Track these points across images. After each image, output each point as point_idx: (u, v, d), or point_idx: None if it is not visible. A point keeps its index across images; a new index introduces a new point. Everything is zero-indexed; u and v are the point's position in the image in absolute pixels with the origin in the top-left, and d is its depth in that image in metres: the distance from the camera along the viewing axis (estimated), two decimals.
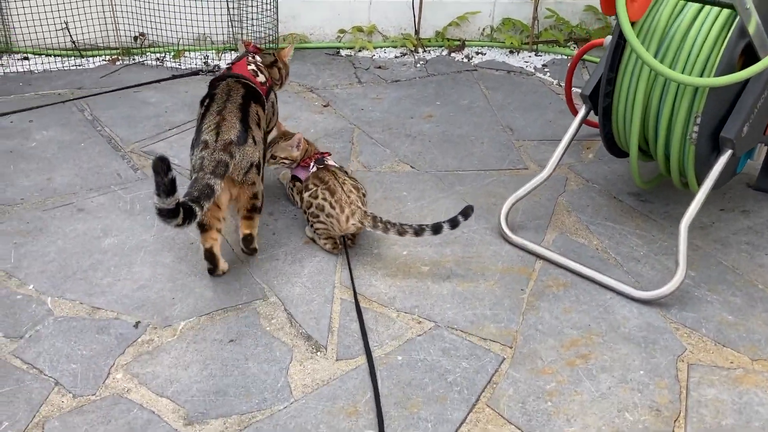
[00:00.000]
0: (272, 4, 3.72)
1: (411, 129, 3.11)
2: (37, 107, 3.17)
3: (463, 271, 2.19)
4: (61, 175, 2.66)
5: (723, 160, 2.13)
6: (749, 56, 2.07)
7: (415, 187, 2.65)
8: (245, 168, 2.03)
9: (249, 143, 2.05)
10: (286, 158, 2.40)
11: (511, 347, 1.90)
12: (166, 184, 1.72)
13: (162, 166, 1.70)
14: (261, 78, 2.37)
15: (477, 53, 4.03)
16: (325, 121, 3.15)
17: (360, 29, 4.07)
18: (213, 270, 2.10)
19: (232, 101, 2.13)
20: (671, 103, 2.15)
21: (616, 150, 2.51)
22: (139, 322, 1.95)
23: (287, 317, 1.98)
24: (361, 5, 4.03)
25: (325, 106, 3.32)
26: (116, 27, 3.87)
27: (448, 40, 4.12)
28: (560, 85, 3.62)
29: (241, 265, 2.19)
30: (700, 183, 2.17)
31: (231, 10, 3.85)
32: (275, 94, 2.52)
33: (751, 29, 1.95)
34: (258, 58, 2.47)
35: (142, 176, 2.66)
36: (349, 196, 2.19)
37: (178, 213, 1.79)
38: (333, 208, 2.16)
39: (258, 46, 2.65)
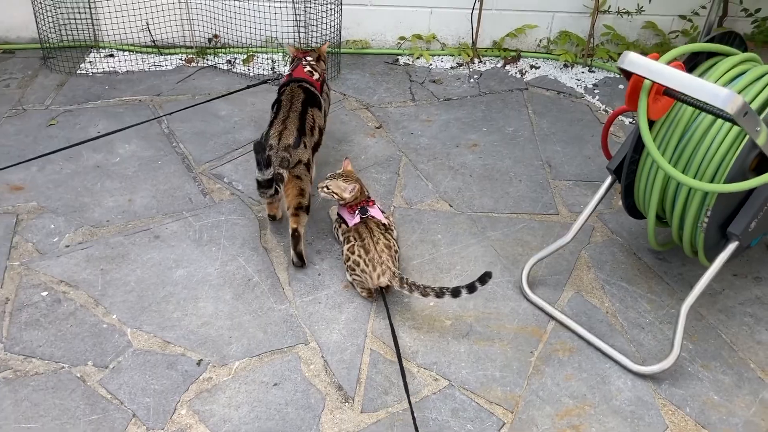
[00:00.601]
0: (336, 10, 3.92)
1: (455, 160, 3.34)
2: (121, 111, 3.52)
3: (482, 327, 2.48)
4: (141, 196, 3.03)
5: (729, 249, 2.31)
6: (764, 158, 2.22)
7: (450, 230, 2.91)
8: (294, 163, 2.61)
9: (300, 147, 2.65)
10: (336, 194, 2.69)
11: (512, 412, 2.20)
12: (264, 160, 2.37)
13: (260, 147, 2.36)
14: (316, 75, 2.98)
15: (531, 66, 4.16)
16: (375, 146, 3.41)
17: (419, 37, 4.24)
18: (273, 219, 2.86)
19: (294, 109, 2.73)
20: (685, 194, 2.33)
21: (637, 214, 2.70)
22: (201, 360, 2.33)
23: (323, 364, 2.33)
24: (423, 14, 4.19)
25: (377, 127, 3.57)
26: (191, 27, 4.17)
27: (505, 50, 4.25)
28: (606, 111, 3.75)
29: (290, 307, 2.53)
30: (709, 260, 2.37)
31: (297, 14, 4.07)
32: (327, 85, 3.10)
33: (761, 142, 2.10)
34: (309, 58, 3.03)
35: (210, 202, 3.00)
36: (380, 256, 2.48)
37: (272, 184, 2.45)
38: (366, 265, 2.46)
39: (302, 49, 3.16)
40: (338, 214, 2.77)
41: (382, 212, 2.75)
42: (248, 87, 3.79)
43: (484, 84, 3.99)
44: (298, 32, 4.13)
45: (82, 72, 3.98)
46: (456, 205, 3.05)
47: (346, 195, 2.68)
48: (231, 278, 2.64)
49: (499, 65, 4.19)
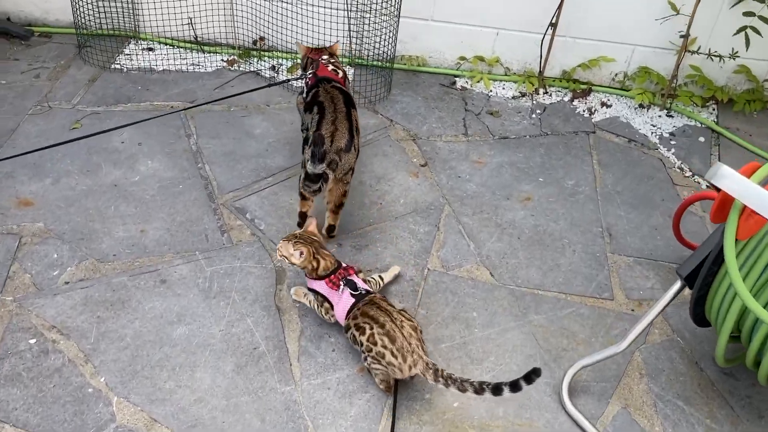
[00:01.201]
0: (393, 21, 3.56)
1: (504, 215, 2.98)
2: (149, 119, 3.26)
3: None
4: (154, 227, 2.78)
5: None
6: None
7: (488, 307, 2.58)
8: (345, 170, 2.58)
9: (352, 152, 2.57)
10: (285, 258, 2.36)
11: None
12: (320, 154, 2.39)
13: (320, 139, 2.40)
14: (340, 73, 2.85)
15: (602, 104, 3.74)
16: (418, 189, 3.08)
17: (481, 59, 3.86)
18: (300, 225, 2.74)
19: (339, 110, 2.61)
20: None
21: (705, 323, 2.32)
22: None
23: None
24: (488, 34, 3.79)
25: (423, 165, 3.23)
26: (236, 26, 3.87)
27: (574, 82, 3.83)
28: (681, 169, 3.33)
29: (295, 390, 2.25)
30: None
31: (351, 24, 3.73)
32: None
33: None
34: (326, 57, 2.89)
35: (227, 243, 2.73)
36: (410, 342, 2.17)
37: (320, 179, 2.48)
38: (395, 356, 2.15)
39: (314, 48, 3.01)
40: (310, 290, 2.45)
41: (364, 279, 2.46)
42: (269, 86, 3.49)
43: (547, 121, 3.59)
44: (350, 42, 3.79)
45: (117, 67, 3.73)
46: (498, 275, 2.71)
47: (295, 261, 2.35)
48: (235, 344, 2.37)
49: (566, 98, 3.77)
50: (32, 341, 2.33)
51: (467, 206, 3.02)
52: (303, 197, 2.64)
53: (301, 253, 2.34)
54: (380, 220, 2.90)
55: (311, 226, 2.48)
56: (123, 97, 3.51)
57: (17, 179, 2.96)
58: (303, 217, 2.70)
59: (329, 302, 2.38)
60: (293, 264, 2.36)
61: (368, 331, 2.21)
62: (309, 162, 2.40)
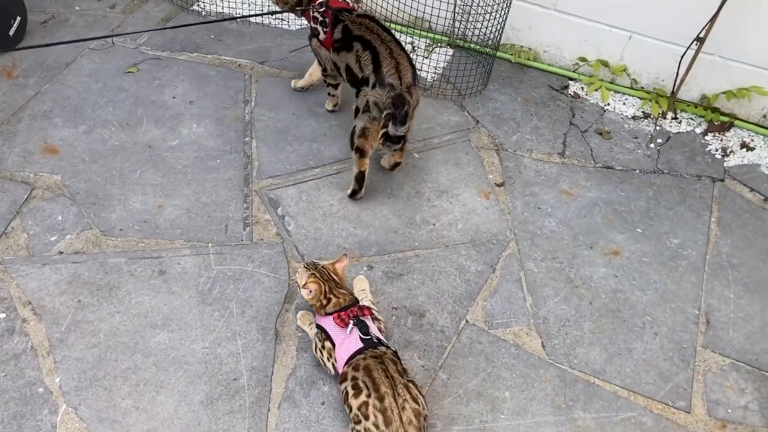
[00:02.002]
0: (505, 4, 3.00)
1: (580, 269, 2.43)
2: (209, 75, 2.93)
3: None
4: (174, 204, 2.46)
5: None
6: None
7: (527, 389, 2.08)
8: (415, 106, 2.36)
9: (418, 85, 2.37)
10: (297, 283, 2.05)
11: None
12: (402, 116, 2.19)
13: (401, 100, 2.20)
14: (352, 3, 2.61)
15: (743, 145, 3.03)
16: (483, 214, 2.57)
17: (605, 64, 3.22)
18: (357, 192, 2.50)
19: (387, 41, 2.37)
20: None
21: None
22: None
23: None
24: (619, 37, 3.15)
25: (498, 184, 2.71)
26: None
27: (713, 111, 3.13)
28: None
29: None
30: None
31: (458, 1, 3.20)
32: None
33: None
34: None
35: (246, 239, 2.37)
36: (407, 431, 1.74)
37: (402, 139, 2.30)
38: None
39: None
40: (317, 326, 2.06)
41: (380, 328, 2.06)
42: (271, 14, 3.04)
43: (667, 156, 2.94)
44: (453, 21, 3.26)
45: (196, 9, 3.40)
46: (551, 347, 2.19)
47: (303, 293, 2.00)
48: (215, 369, 2.02)
49: (698, 130, 3.09)
50: (2, 315, 2.08)
51: (537, 248, 2.48)
52: (362, 153, 2.40)
53: (310, 292, 1.96)
54: (427, 245, 2.43)
55: (340, 262, 2.07)
56: (191, 45, 3.18)
57: (52, 120, 2.72)
58: (362, 179, 2.47)
59: (332, 342, 1.97)
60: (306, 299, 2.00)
61: (362, 397, 1.79)
62: (392, 126, 2.19)
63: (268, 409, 1.96)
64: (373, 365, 1.86)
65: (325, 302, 1.99)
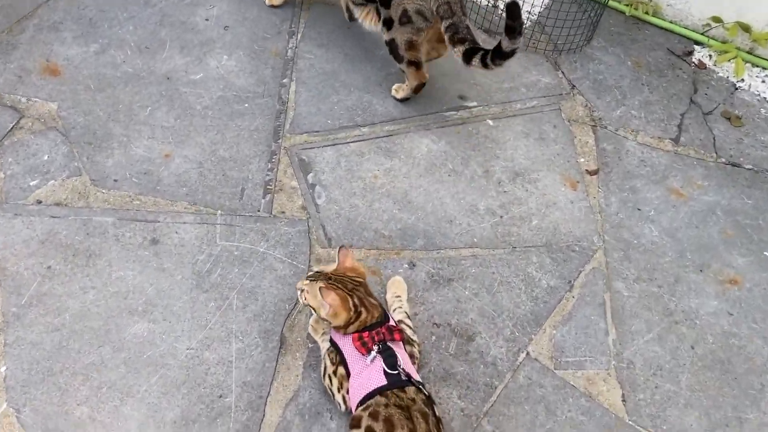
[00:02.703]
0: None
1: (683, 300, 1.87)
2: None
3: None
4: (185, 155, 2.01)
5: None
6: None
7: None
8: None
9: None
10: (310, 306, 1.51)
11: None
12: (518, 27, 1.78)
13: (517, 11, 1.75)
14: None
15: None
16: (567, 210, 2.02)
17: (745, 28, 2.54)
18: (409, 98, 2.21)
19: None
20: None
21: None
22: None
23: None
24: None
25: (591, 172, 2.14)
26: None
27: None
28: None
29: None
30: None
31: None
32: None
33: None
34: None
35: (264, 211, 1.91)
36: None
37: (513, 54, 1.87)
38: None
39: None
40: (331, 341, 1.57)
41: (412, 354, 1.58)
42: None
43: None
44: None
45: None
46: (633, 404, 1.66)
47: (321, 313, 1.49)
48: (198, 379, 1.59)
49: None
50: None
51: (631, 264, 1.93)
52: (418, 66, 2.10)
53: (330, 307, 1.47)
54: (489, 243, 1.91)
55: (349, 258, 1.57)
56: None
57: (60, 34, 2.28)
58: (420, 89, 2.18)
59: (347, 369, 1.51)
60: (318, 315, 1.51)
61: None
62: (505, 38, 1.82)
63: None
64: (397, 419, 1.39)
65: (353, 319, 1.51)
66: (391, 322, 1.57)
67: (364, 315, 1.52)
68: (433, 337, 1.73)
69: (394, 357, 1.48)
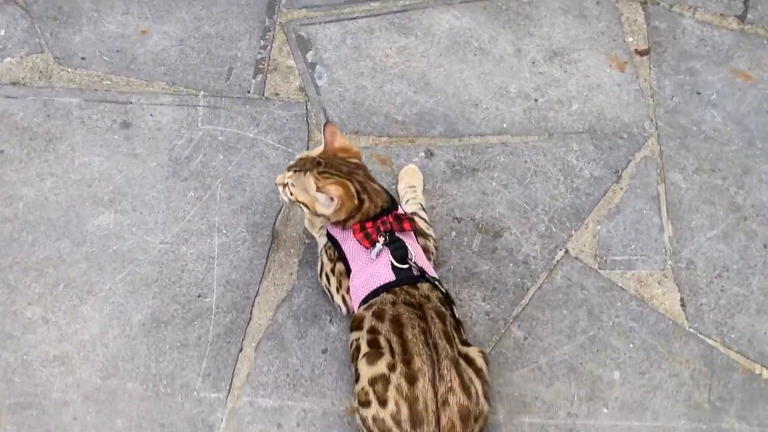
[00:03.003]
0: None
1: (752, 194, 1.58)
2: None
3: None
4: (164, 31, 1.72)
5: None
6: None
7: (647, 373, 1.31)
8: None
9: None
10: (302, 203, 1.22)
11: None
12: None
13: None
14: None
15: None
16: (612, 94, 1.71)
17: None
18: None
19: None
20: None
21: None
22: None
23: None
24: None
25: (640, 52, 1.82)
26: None
27: None
28: None
29: (222, 406, 1.21)
30: None
31: None
32: None
33: None
34: None
35: (254, 93, 1.62)
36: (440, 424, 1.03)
37: None
38: None
39: None
40: (329, 235, 1.28)
41: (427, 249, 1.29)
42: None
43: None
44: None
45: None
46: (694, 310, 1.39)
47: (322, 210, 1.19)
48: (173, 277, 1.35)
49: None
50: None
51: (691, 152, 1.62)
52: None
53: (332, 203, 1.18)
54: (521, 129, 1.62)
55: (337, 136, 1.28)
56: None
57: None
58: None
59: (346, 265, 1.24)
60: (315, 213, 1.23)
61: (381, 366, 1.08)
62: None
63: (240, 349, 1.27)
64: (406, 318, 1.13)
65: (355, 208, 1.23)
66: (400, 211, 1.29)
67: (367, 204, 1.23)
68: (453, 233, 1.45)
69: (404, 249, 1.21)
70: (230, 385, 1.24)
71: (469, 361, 1.12)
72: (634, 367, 1.31)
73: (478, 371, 1.12)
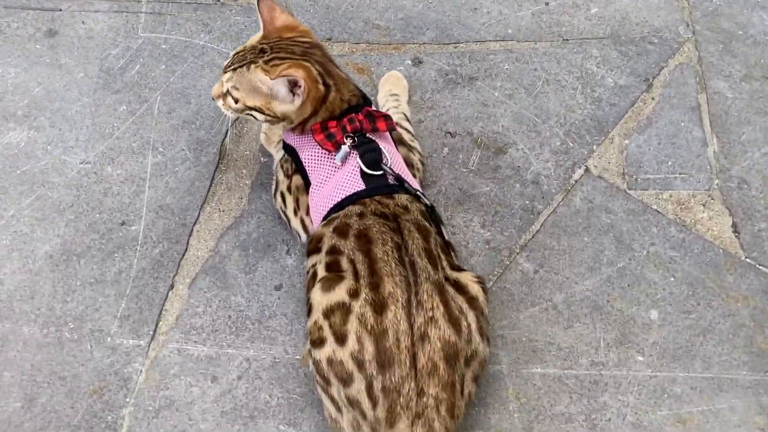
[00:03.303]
0: None
1: None
2: None
3: None
4: None
5: None
6: None
7: (694, 312, 1.02)
8: None
9: None
10: (249, 108, 0.94)
11: None
12: None
13: None
14: None
15: None
16: None
17: None
18: None
19: None
20: None
21: None
22: None
23: None
24: None
25: None
26: None
27: None
28: None
29: (143, 354, 0.94)
30: None
31: None
32: None
33: None
34: None
35: (216, 7, 1.35)
36: (420, 395, 0.75)
37: None
38: (373, 403, 0.75)
39: None
40: (285, 145, 1.02)
41: (410, 162, 1.02)
42: None
43: None
44: None
45: None
46: (751, 236, 1.10)
47: (283, 108, 0.93)
48: (92, 203, 1.09)
49: None
50: None
51: (737, 58, 1.32)
52: None
53: (296, 85, 0.90)
54: (530, 34, 1.34)
55: (278, 12, 1.00)
56: None
57: None
58: None
59: (305, 178, 0.96)
60: (274, 116, 0.96)
61: (339, 293, 0.82)
62: None
63: (171, 286, 1.00)
64: (376, 231, 0.85)
65: (318, 104, 0.95)
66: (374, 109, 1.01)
67: (333, 94, 0.96)
68: (445, 150, 1.17)
69: (377, 151, 0.93)
70: (155, 329, 0.97)
71: (460, 288, 0.84)
72: (677, 306, 1.02)
73: (471, 300, 0.84)
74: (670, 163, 1.18)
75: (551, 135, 1.20)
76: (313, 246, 0.89)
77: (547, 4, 1.40)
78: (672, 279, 1.05)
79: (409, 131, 1.13)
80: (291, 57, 0.95)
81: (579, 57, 1.31)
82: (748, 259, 1.07)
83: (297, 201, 1.00)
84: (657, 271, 1.05)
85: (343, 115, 0.96)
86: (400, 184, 0.92)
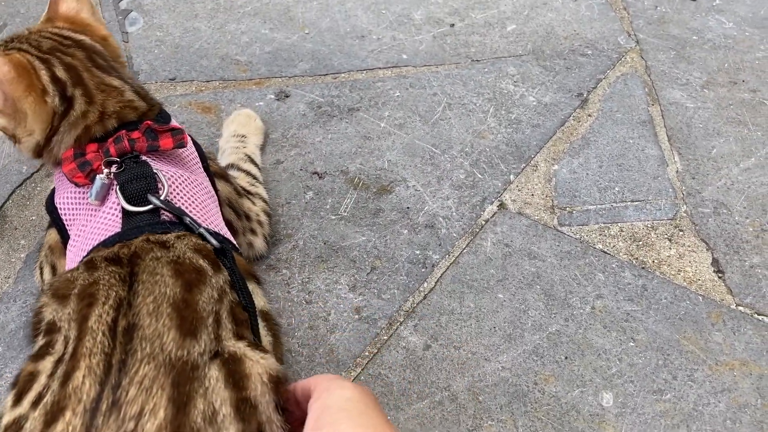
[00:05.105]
0: None
1: None
2: None
3: None
4: None
5: None
6: None
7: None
8: None
9: None
10: None
11: None
12: None
13: None
14: None
15: None
16: (562, 11, 1.17)
17: None
18: None
19: None
20: None
21: None
22: None
23: None
24: None
25: None
26: None
27: None
28: None
29: None
30: None
31: None
32: None
33: None
34: None
35: None
36: None
37: None
38: None
39: None
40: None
41: (249, 219, 0.70)
42: None
43: None
44: None
45: None
46: (738, 276, 0.75)
47: None
48: None
49: None
50: None
51: (694, 64, 1.04)
52: None
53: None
54: (429, 57, 1.07)
55: (67, 1, 0.72)
56: None
57: None
58: None
59: (62, 231, 0.64)
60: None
61: (25, 403, 0.47)
62: None
63: None
64: (102, 285, 0.51)
65: (57, 120, 0.65)
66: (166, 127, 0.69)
67: (81, 106, 0.65)
68: (309, 194, 0.86)
69: (147, 179, 0.61)
70: None
71: (235, 361, 0.50)
72: (641, 383, 0.67)
73: (241, 380, 0.49)
74: (617, 188, 0.86)
75: (453, 167, 0.89)
76: (34, 324, 0.56)
77: (452, 25, 1.14)
78: (631, 344, 0.70)
79: (250, 174, 0.83)
80: (29, 51, 0.65)
81: (491, 77, 1.03)
82: (740, 308, 0.73)
83: (53, 267, 0.67)
84: (608, 334, 0.71)
85: (112, 134, 0.65)
86: (179, 221, 0.60)
